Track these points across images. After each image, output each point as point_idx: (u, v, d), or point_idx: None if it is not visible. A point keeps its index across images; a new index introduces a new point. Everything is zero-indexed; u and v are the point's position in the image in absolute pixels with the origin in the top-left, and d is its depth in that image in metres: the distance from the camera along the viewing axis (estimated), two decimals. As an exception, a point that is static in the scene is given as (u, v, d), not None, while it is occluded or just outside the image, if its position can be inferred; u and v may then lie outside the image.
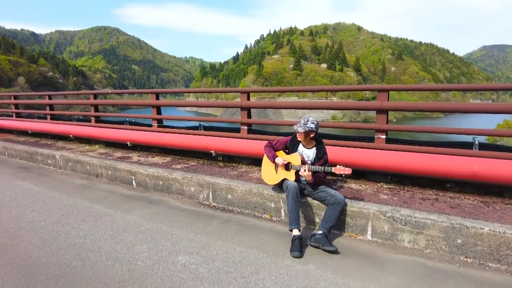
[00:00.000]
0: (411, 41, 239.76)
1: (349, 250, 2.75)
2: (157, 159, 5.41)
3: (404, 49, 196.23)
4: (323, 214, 3.03)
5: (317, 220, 3.18)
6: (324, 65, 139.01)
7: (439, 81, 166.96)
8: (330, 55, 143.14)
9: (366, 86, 4.14)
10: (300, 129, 3.05)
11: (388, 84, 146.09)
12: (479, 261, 2.55)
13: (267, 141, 3.41)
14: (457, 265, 2.53)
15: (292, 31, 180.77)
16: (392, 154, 3.60)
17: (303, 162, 3.10)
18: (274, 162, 3.21)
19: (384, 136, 3.81)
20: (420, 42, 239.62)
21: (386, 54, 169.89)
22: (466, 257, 2.60)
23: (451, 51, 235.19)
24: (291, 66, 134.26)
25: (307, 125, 3.03)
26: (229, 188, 3.78)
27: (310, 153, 3.18)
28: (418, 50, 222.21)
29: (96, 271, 2.39)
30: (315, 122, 3.07)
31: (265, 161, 3.41)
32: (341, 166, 2.94)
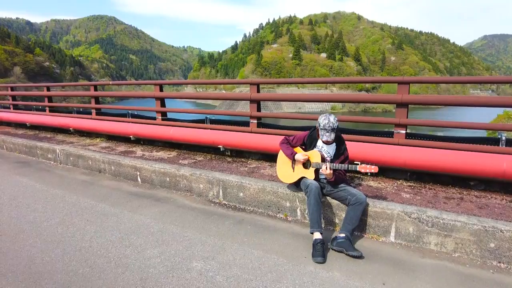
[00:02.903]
0: (411, 30, 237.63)
1: (373, 254, 2.59)
2: (162, 154, 5.21)
3: (404, 39, 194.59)
4: (343, 215, 2.86)
5: (336, 221, 3.01)
6: (323, 55, 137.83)
7: (439, 71, 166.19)
8: (330, 44, 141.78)
9: (387, 78, 3.93)
10: (332, 136, 2.83)
11: (387, 73, 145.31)
12: (514, 266, 2.39)
13: (282, 137, 3.21)
14: (491, 271, 2.37)
15: (291, 20, 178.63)
16: (413, 150, 3.42)
17: (323, 159, 2.91)
18: (293, 159, 3.00)
19: (404, 131, 3.62)
20: (420, 32, 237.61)
21: (386, 43, 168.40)
22: (500, 262, 2.44)
23: (451, 41, 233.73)
24: (290, 55, 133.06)
25: (334, 128, 2.82)
26: (240, 185, 3.59)
27: (330, 149, 2.98)
28: (418, 40, 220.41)
29: (106, 280, 2.22)
30: (336, 118, 2.88)
31: (281, 158, 3.21)
32: (366, 164, 2.75)
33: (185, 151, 5.41)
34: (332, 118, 2.84)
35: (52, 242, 2.78)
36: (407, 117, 3.62)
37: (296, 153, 3.01)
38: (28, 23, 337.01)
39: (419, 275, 2.30)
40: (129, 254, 2.58)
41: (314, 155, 2.93)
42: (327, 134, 2.84)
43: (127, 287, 2.15)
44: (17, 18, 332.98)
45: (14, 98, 9.35)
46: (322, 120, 2.85)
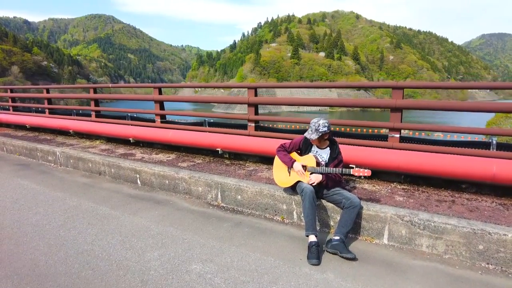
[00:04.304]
0: (410, 29, 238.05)
1: (366, 256, 2.67)
2: (161, 156, 5.29)
3: (402, 38, 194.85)
4: (338, 217, 2.95)
5: (331, 223, 3.09)
6: (322, 54, 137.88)
7: (438, 70, 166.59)
8: (328, 43, 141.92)
9: (381, 83, 4.01)
10: (313, 136, 2.93)
11: (386, 72, 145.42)
12: (501, 268, 2.49)
13: (279, 140, 3.30)
14: (479, 272, 2.46)
15: (290, 19, 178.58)
16: (407, 154, 3.50)
17: (318, 164, 3.00)
18: (291, 167, 3.07)
19: (398, 135, 3.71)
20: (418, 31, 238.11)
21: (384, 42, 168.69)
22: (488, 264, 2.53)
23: (449, 40, 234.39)
24: (289, 54, 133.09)
25: (320, 130, 2.91)
26: (238, 188, 3.67)
27: (324, 154, 3.07)
28: (416, 39, 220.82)
29: (108, 282, 2.30)
30: (326, 124, 2.95)
31: (277, 162, 3.29)
32: (360, 168, 2.84)
33: (184, 153, 5.49)
34: (321, 121, 2.92)
35: (55, 245, 2.86)
36: (401, 121, 3.71)
37: (295, 160, 3.08)
38: (26, 22, 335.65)
39: (410, 276, 2.39)
40: (130, 256, 2.65)
41: (309, 160, 3.02)
42: (310, 132, 2.96)
43: (129, 289, 2.23)
44: (14, 17, 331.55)
45: (13, 99, 9.39)
46: (312, 120, 2.99)
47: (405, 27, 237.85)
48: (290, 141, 3.25)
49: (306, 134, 3.01)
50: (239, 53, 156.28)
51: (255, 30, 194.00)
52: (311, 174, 2.99)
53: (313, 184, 2.92)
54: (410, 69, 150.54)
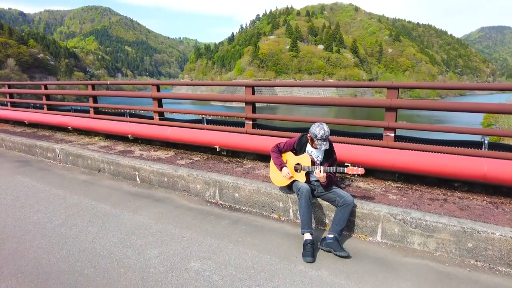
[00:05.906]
0: (409, 22, 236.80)
1: (360, 253, 2.76)
2: (160, 154, 5.34)
3: (401, 31, 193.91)
4: (332, 215, 3.03)
5: (326, 221, 3.18)
6: (320, 46, 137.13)
7: (436, 63, 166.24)
8: (327, 36, 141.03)
9: (376, 83, 4.07)
10: (327, 145, 2.96)
11: (384, 65, 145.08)
12: (489, 265, 2.58)
13: (276, 138, 3.36)
14: (468, 269, 2.55)
15: (288, 11, 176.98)
16: (401, 153, 3.58)
17: (313, 163, 3.07)
18: (280, 169, 3.16)
19: (392, 134, 3.77)
20: (418, 23, 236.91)
21: (383, 35, 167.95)
22: (476, 261, 2.63)
23: (449, 33, 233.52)
24: (288, 47, 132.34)
25: (329, 134, 2.95)
26: (236, 186, 3.75)
27: (319, 153, 3.13)
28: (415, 32, 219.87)
29: (110, 280, 2.38)
30: (328, 128, 3.00)
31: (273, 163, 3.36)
32: (353, 166, 2.92)
33: (182, 150, 5.54)
34: (325, 127, 2.94)
35: (57, 243, 2.93)
36: (395, 121, 3.77)
37: (285, 165, 3.17)
38: (21, 13, 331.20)
39: (401, 273, 2.49)
40: (130, 254, 2.73)
41: (304, 159, 3.08)
42: (324, 143, 2.94)
43: (130, 286, 2.31)
44: (9, 9, 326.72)
45: (11, 95, 9.38)
46: (318, 131, 2.90)
47: (404, 20, 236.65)
48: (285, 141, 3.31)
49: (322, 148, 2.95)
50: (237, 46, 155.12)
51: (253, 22, 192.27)
52: (306, 173, 3.07)
53: (316, 179, 2.95)
54: (408, 62, 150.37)
